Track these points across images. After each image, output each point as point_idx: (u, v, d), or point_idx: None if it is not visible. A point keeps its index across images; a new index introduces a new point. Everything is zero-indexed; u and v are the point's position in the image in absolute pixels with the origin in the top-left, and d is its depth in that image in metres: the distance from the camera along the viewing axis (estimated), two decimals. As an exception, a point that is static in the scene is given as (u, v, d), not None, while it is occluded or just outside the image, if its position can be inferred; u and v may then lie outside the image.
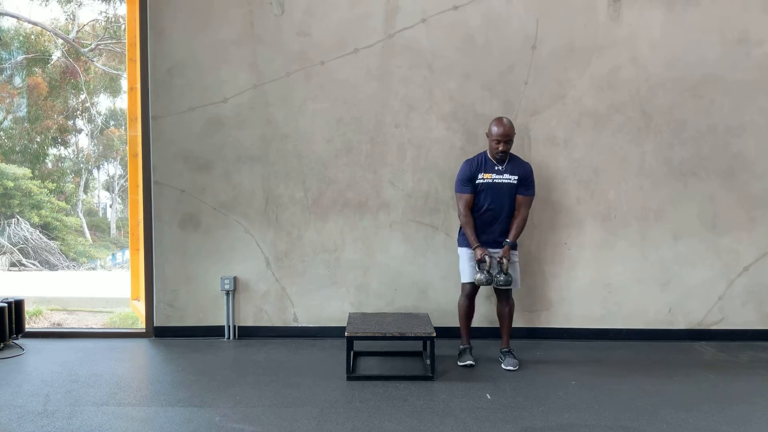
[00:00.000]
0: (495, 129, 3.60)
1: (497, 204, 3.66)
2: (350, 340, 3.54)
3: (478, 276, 3.63)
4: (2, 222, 14.45)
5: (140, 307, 4.67)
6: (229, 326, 4.34)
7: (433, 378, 3.46)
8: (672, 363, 3.82)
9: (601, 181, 4.30)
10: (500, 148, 3.59)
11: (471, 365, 3.67)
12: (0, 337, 4.02)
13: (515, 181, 3.65)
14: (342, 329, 3.76)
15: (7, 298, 4.21)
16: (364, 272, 4.34)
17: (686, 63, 4.25)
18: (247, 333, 4.36)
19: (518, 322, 4.34)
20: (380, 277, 4.32)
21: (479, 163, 3.69)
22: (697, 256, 4.32)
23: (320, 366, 3.70)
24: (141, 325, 4.61)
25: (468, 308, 3.81)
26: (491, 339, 4.25)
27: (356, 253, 4.33)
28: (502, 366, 3.68)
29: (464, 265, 3.75)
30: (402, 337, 3.54)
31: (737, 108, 4.27)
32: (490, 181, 3.65)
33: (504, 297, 3.79)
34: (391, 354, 3.93)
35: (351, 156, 4.29)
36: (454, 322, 4.26)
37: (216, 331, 4.36)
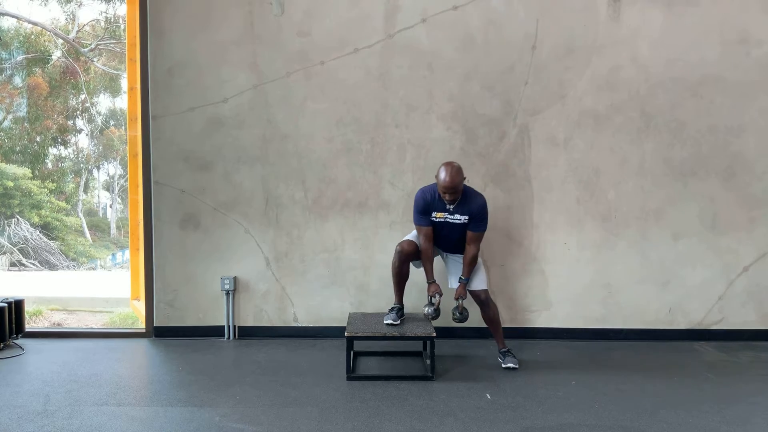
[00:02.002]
0: (441, 178, 3.46)
1: (450, 239, 3.69)
2: (350, 340, 3.54)
3: (427, 310, 3.67)
4: (2, 222, 14.45)
5: (140, 307, 4.67)
6: (229, 326, 4.34)
7: (433, 378, 3.46)
8: (672, 363, 3.82)
9: (601, 181, 4.30)
10: (447, 198, 3.53)
11: (391, 324, 3.62)
12: (0, 337, 4.02)
13: (465, 220, 3.59)
14: (342, 329, 3.76)
15: (7, 298, 4.21)
16: (364, 272, 4.34)
17: (686, 63, 4.25)
18: (247, 333, 4.36)
19: (518, 322, 4.34)
20: (380, 277, 4.32)
21: (433, 200, 3.61)
22: (697, 256, 4.32)
23: (320, 366, 3.70)
24: (141, 325, 4.61)
25: (399, 268, 3.74)
26: (491, 339, 4.26)
27: (356, 253, 4.33)
28: (503, 365, 3.67)
29: (412, 233, 3.78)
30: (402, 337, 3.54)
31: (737, 108, 4.27)
32: (443, 220, 3.62)
33: (484, 303, 3.74)
34: (391, 354, 3.93)
35: (351, 156, 4.29)
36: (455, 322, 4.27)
37: (216, 331, 4.36)
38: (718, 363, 3.83)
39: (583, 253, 4.33)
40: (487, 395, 3.19)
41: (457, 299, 3.66)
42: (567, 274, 4.33)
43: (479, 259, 3.75)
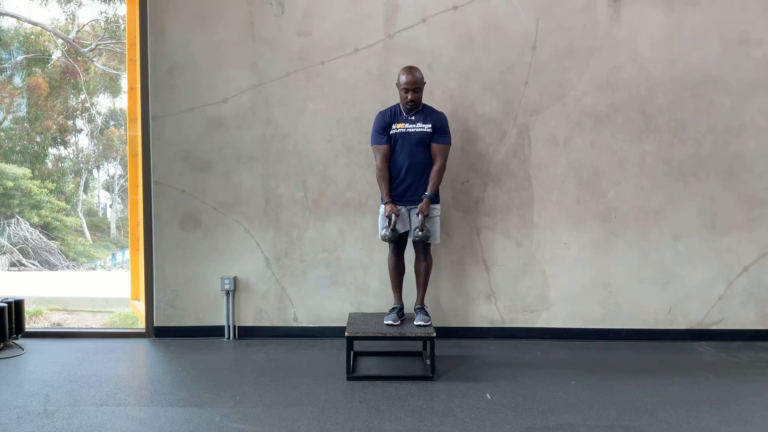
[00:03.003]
0: (403, 77, 3.57)
1: (410, 155, 3.62)
2: (350, 340, 3.54)
3: (383, 232, 3.61)
4: (2, 222, 14.45)
5: (140, 307, 4.67)
6: (229, 326, 4.34)
7: (433, 378, 3.46)
8: (672, 363, 3.82)
9: (601, 181, 4.30)
10: (409, 97, 3.56)
11: (392, 324, 3.61)
12: (0, 337, 4.02)
13: (429, 129, 3.61)
14: (342, 329, 3.76)
15: (7, 298, 4.21)
16: (364, 272, 4.34)
17: (686, 63, 4.25)
18: (247, 333, 4.36)
19: (518, 322, 4.34)
20: (380, 277, 4.32)
21: (392, 114, 3.66)
22: (697, 256, 4.32)
23: (320, 366, 3.70)
24: (141, 325, 4.61)
25: (395, 264, 3.79)
26: (491, 339, 4.26)
27: (356, 253, 4.33)
28: (414, 322, 3.66)
29: (380, 222, 3.75)
30: (402, 337, 3.54)
31: (737, 108, 4.27)
32: (403, 130, 3.62)
33: (421, 252, 3.74)
34: (391, 354, 3.93)
35: (351, 156, 4.29)
36: (455, 322, 4.27)
37: (216, 331, 4.36)
38: (718, 363, 3.83)
39: (583, 253, 4.33)
40: (487, 395, 3.19)
41: (418, 215, 3.60)
42: (567, 274, 4.33)
43: (438, 210, 3.72)
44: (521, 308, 4.34)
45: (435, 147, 3.64)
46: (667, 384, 3.40)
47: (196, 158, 4.28)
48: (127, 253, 8.39)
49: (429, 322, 3.64)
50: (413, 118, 3.62)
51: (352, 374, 3.48)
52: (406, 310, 3.87)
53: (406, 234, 3.73)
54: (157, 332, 4.35)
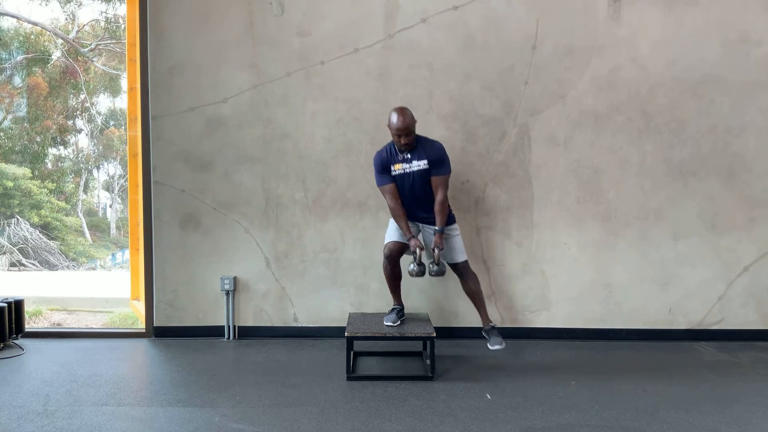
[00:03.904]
0: (394, 122, 3.48)
1: (414, 193, 3.62)
2: (350, 340, 3.54)
3: (411, 267, 3.59)
4: (2, 222, 14.45)
5: (140, 307, 4.67)
6: (229, 326, 4.34)
7: (433, 378, 3.46)
8: (672, 363, 3.82)
9: (601, 181, 4.30)
10: (402, 142, 3.50)
11: (391, 325, 3.61)
12: (0, 337, 4.02)
13: (426, 165, 3.56)
14: (342, 329, 3.76)
15: (7, 298, 4.21)
16: (364, 272, 4.34)
17: (686, 63, 4.25)
18: (247, 333, 4.36)
19: (518, 322, 4.34)
20: (380, 277, 4.30)
21: (389, 154, 3.62)
22: (697, 256, 4.32)
23: (320, 366, 3.70)
24: (141, 325, 4.61)
25: (392, 270, 3.75)
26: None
27: (356, 253, 4.33)
28: (489, 347, 3.65)
29: (391, 229, 3.75)
30: (402, 337, 3.54)
31: (737, 108, 4.27)
32: (402, 171, 3.59)
33: (462, 274, 3.75)
34: (391, 354, 3.93)
35: (351, 156, 4.29)
36: (455, 322, 4.27)
37: (216, 331, 4.36)
38: (718, 363, 3.83)
39: (583, 253, 4.33)
40: (487, 395, 3.19)
41: (433, 249, 3.59)
42: (567, 274, 4.33)
43: (457, 233, 3.75)
44: (521, 308, 4.34)
45: (434, 180, 3.59)
46: (667, 384, 3.40)
47: (196, 158, 4.28)
48: (127, 253, 8.39)
49: (503, 344, 3.61)
50: (408, 156, 3.58)
51: (352, 374, 3.48)
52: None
53: (404, 247, 3.69)
54: (157, 332, 4.35)
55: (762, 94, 4.27)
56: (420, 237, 3.73)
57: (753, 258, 4.34)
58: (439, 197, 3.59)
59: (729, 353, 4.04)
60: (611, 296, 4.34)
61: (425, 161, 3.56)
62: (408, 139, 3.49)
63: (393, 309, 3.81)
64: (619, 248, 4.32)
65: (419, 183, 3.59)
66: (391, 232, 3.76)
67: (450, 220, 3.73)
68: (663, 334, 4.34)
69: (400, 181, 3.61)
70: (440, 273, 3.61)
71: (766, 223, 4.32)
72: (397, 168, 3.59)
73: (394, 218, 3.67)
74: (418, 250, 3.57)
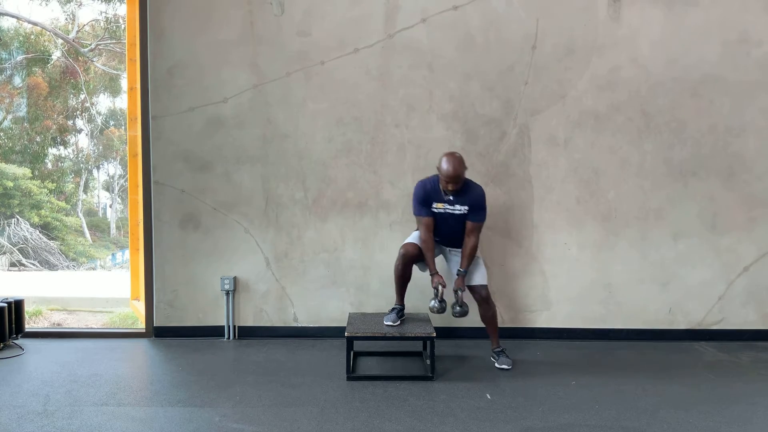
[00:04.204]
0: (445, 168, 3.46)
1: (451, 231, 3.66)
2: (350, 340, 3.54)
3: (432, 304, 3.57)
4: (2, 222, 14.44)
5: (140, 307, 4.67)
6: (229, 326, 4.34)
7: (433, 378, 3.46)
8: (672, 363, 3.82)
9: (601, 181, 4.30)
10: (450, 188, 3.51)
11: (391, 325, 3.63)
12: (0, 337, 4.02)
13: (465, 211, 3.59)
14: (342, 329, 3.76)
15: (7, 298, 4.21)
16: (364, 272, 4.34)
17: (686, 63, 4.25)
18: (247, 333, 4.36)
19: (518, 322, 4.34)
20: (380, 277, 4.32)
21: (433, 190, 3.61)
22: (697, 256, 4.32)
23: (320, 366, 3.70)
24: (141, 325, 4.61)
25: (402, 271, 3.72)
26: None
27: (356, 253, 4.33)
28: (496, 365, 3.68)
29: (413, 235, 3.77)
30: (402, 337, 3.54)
31: (737, 108, 4.27)
32: (443, 210, 3.61)
33: (483, 301, 3.70)
34: (391, 354, 3.93)
35: (351, 156, 4.29)
36: (455, 322, 4.26)
37: (216, 331, 4.36)
38: (718, 363, 3.83)
39: (583, 253, 4.33)
40: (487, 395, 3.19)
41: (455, 291, 3.61)
42: (567, 274, 4.33)
43: (479, 256, 3.75)
44: (521, 308, 4.34)
45: (470, 225, 3.60)
46: (667, 384, 3.40)
47: (196, 158, 4.28)
48: (127, 253, 8.39)
49: (511, 365, 3.65)
50: (452, 199, 3.59)
51: (352, 374, 3.48)
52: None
53: (420, 254, 3.66)
54: (157, 332, 4.35)
55: (762, 94, 4.27)
56: (444, 258, 3.78)
57: (753, 258, 4.34)
58: (471, 242, 3.61)
59: (729, 353, 4.04)
60: (611, 296, 4.34)
61: (465, 207, 3.58)
62: (456, 186, 3.50)
63: (393, 308, 3.81)
64: (619, 248, 4.32)
65: (456, 224, 3.63)
66: (415, 236, 3.74)
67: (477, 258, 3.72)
68: (663, 334, 4.34)
69: (438, 217, 3.63)
70: (463, 314, 3.59)
71: (766, 223, 4.32)
72: (439, 207, 3.61)
73: (424, 251, 3.65)
74: (440, 288, 3.56)
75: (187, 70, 4.23)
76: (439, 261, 3.86)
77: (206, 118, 4.26)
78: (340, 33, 4.23)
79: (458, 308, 3.59)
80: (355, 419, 2.86)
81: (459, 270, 3.65)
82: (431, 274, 3.64)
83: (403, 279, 3.77)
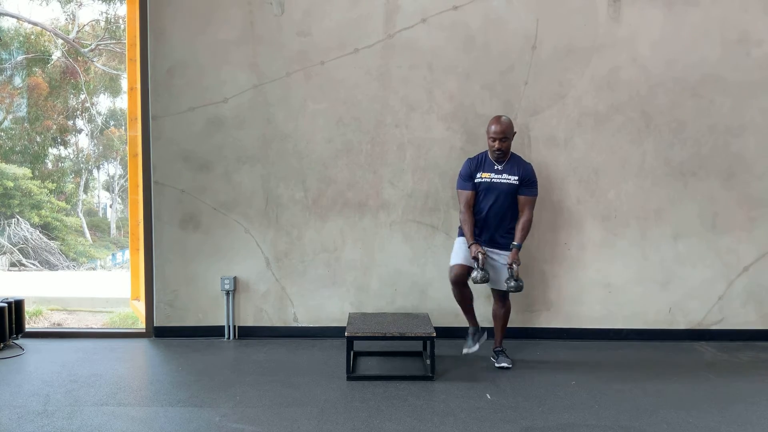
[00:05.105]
0: (491, 127, 3.57)
1: (497, 204, 3.59)
2: (350, 340, 3.54)
3: (474, 274, 3.49)
4: (2, 222, 14.45)
5: (140, 307, 4.67)
6: (229, 326, 4.34)
7: (433, 378, 3.46)
8: (672, 363, 3.82)
9: (601, 181, 4.30)
10: (496, 146, 3.55)
11: (468, 352, 3.69)
12: (0, 337, 4.02)
13: (515, 182, 3.58)
14: (342, 329, 3.76)
15: (7, 298, 4.21)
16: (364, 272, 4.34)
17: (686, 63, 4.25)
18: (247, 333, 4.36)
19: (518, 322, 4.34)
20: (380, 277, 4.32)
21: (479, 162, 3.65)
22: (697, 256, 4.32)
23: (320, 366, 3.70)
24: (141, 325, 4.61)
25: (460, 294, 3.66)
26: (491, 339, 4.25)
27: (356, 253, 4.33)
28: (496, 364, 3.68)
29: (456, 249, 3.67)
30: (402, 337, 3.54)
31: (737, 108, 4.27)
32: (489, 180, 3.59)
33: (501, 298, 3.74)
34: (391, 354, 3.93)
35: (351, 156, 4.29)
36: (455, 322, 4.27)
37: (216, 331, 4.36)
38: (718, 363, 3.83)
39: (583, 253, 4.32)
40: (487, 395, 3.19)
41: (510, 266, 3.54)
42: (567, 274, 4.33)
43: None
44: (521, 308, 4.33)
45: (523, 199, 3.59)
46: (667, 384, 3.40)
47: (196, 158, 4.28)
48: (127, 253, 8.39)
49: (511, 364, 3.64)
50: (500, 168, 3.58)
51: (352, 374, 3.48)
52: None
53: (468, 270, 3.56)
54: (157, 332, 4.35)
55: (762, 94, 4.27)
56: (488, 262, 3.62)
57: (753, 258, 4.33)
58: (526, 215, 3.60)
59: (729, 353, 4.04)
60: (611, 296, 4.34)
61: (516, 177, 3.57)
62: (502, 144, 3.53)
63: (468, 332, 3.79)
64: (619, 248, 4.32)
65: (503, 198, 3.58)
66: (457, 254, 3.65)
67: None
68: (663, 334, 4.34)
69: (484, 190, 3.59)
70: (519, 288, 3.52)
71: (766, 223, 4.32)
72: (485, 176, 3.58)
73: (462, 223, 3.63)
74: (480, 256, 3.47)
75: (187, 70, 4.23)
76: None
77: (206, 118, 4.26)
78: (340, 33, 4.23)
79: (512, 283, 3.51)
80: (355, 419, 2.86)
81: (513, 244, 3.59)
82: (469, 246, 3.55)
83: (464, 300, 3.69)
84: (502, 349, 3.77)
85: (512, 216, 3.64)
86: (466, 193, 3.63)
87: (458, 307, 4.09)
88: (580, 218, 4.31)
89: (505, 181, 3.58)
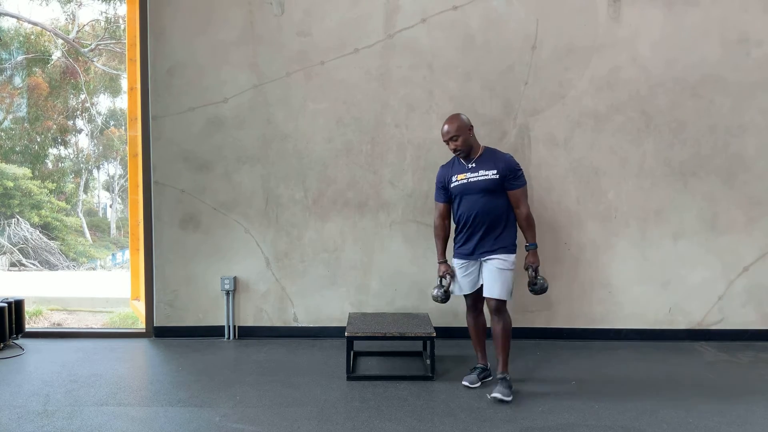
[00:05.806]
0: (442, 129, 3.27)
1: (479, 205, 3.22)
2: (350, 340, 3.53)
3: (436, 292, 3.33)
4: (2, 222, 14.45)
5: (140, 307, 4.67)
6: (229, 326, 4.34)
7: (433, 378, 3.46)
8: (672, 363, 3.82)
9: (601, 181, 4.30)
10: (451, 147, 3.26)
11: (468, 386, 3.32)
12: (0, 337, 4.02)
13: (495, 176, 3.19)
14: (342, 329, 3.76)
15: (7, 298, 4.21)
16: (364, 272, 4.34)
17: (686, 63, 4.25)
18: (247, 333, 4.36)
19: (518, 322, 4.33)
20: (380, 277, 4.32)
21: (451, 166, 3.35)
22: (697, 256, 4.32)
23: (320, 366, 3.70)
24: (141, 325, 4.61)
25: (473, 323, 3.42)
26: (491, 339, 4.25)
27: (356, 253, 4.33)
28: (488, 395, 3.17)
29: (457, 281, 3.37)
30: (402, 337, 3.53)
31: (737, 108, 4.27)
32: (465, 181, 3.24)
33: (494, 311, 3.23)
34: (391, 354, 3.93)
35: (351, 156, 4.29)
36: (455, 322, 4.27)
37: (216, 331, 4.36)
38: (718, 363, 3.83)
39: (583, 253, 4.33)
40: (488, 395, 3.19)
41: (527, 269, 3.31)
42: (567, 274, 4.33)
43: (509, 270, 3.25)
44: (521, 308, 4.33)
45: (512, 194, 3.24)
46: (667, 384, 3.40)
47: (196, 158, 4.29)
48: (127, 253, 8.39)
49: (510, 397, 3.10)
50: (473, 165, 3.24)
51: (352, 374, 3.48)
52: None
53: (480, 288, 3.31)
54: (157, 332, 4.35)
55: (762, 94, 4.27)
56: (481, 275, 3.32)
57: (753, 258, 4.34)
58: (522, 211, 3.27)
59: (729, 353, 4.04)
60: (611, 296, 4.34)
61: (495, 171, 3.20)
62: (457, 144, 3.21)
63: (474, 368, 3.44)
64: (619, 248, 4.32)
65: (485, 197, 3.21)
66: (462, 285, 3.35)
67: (510, 248, 3.28)
68: (663, 334, 4.34)
69: (461, 193, 3.26)
70: (542, 290, 3.30)
71: (766, 223, 4.32)
72: (460, 178, 3.26)
73: (435, 237, 3.42)
74: (448, 277, 3.33)
75: (187, 70, 4.23)
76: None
77: (206, 118, 4.26)
78: (340, 33, 4.23)
79: (534, 287, 3.29)
80: (355, 419, 2.86)
81: (526, 245, 3.32)
82: (439, 262, 3.40)
83: (476, 330, 3.45)
84: (504, 376, 3.20)
85: (500, 218, 3.26)
86: (440, 206, 3.39)
87: (458, 306, 4.10)
88: (580, 218, 4.31)
89: (482, 178, 3.21)
